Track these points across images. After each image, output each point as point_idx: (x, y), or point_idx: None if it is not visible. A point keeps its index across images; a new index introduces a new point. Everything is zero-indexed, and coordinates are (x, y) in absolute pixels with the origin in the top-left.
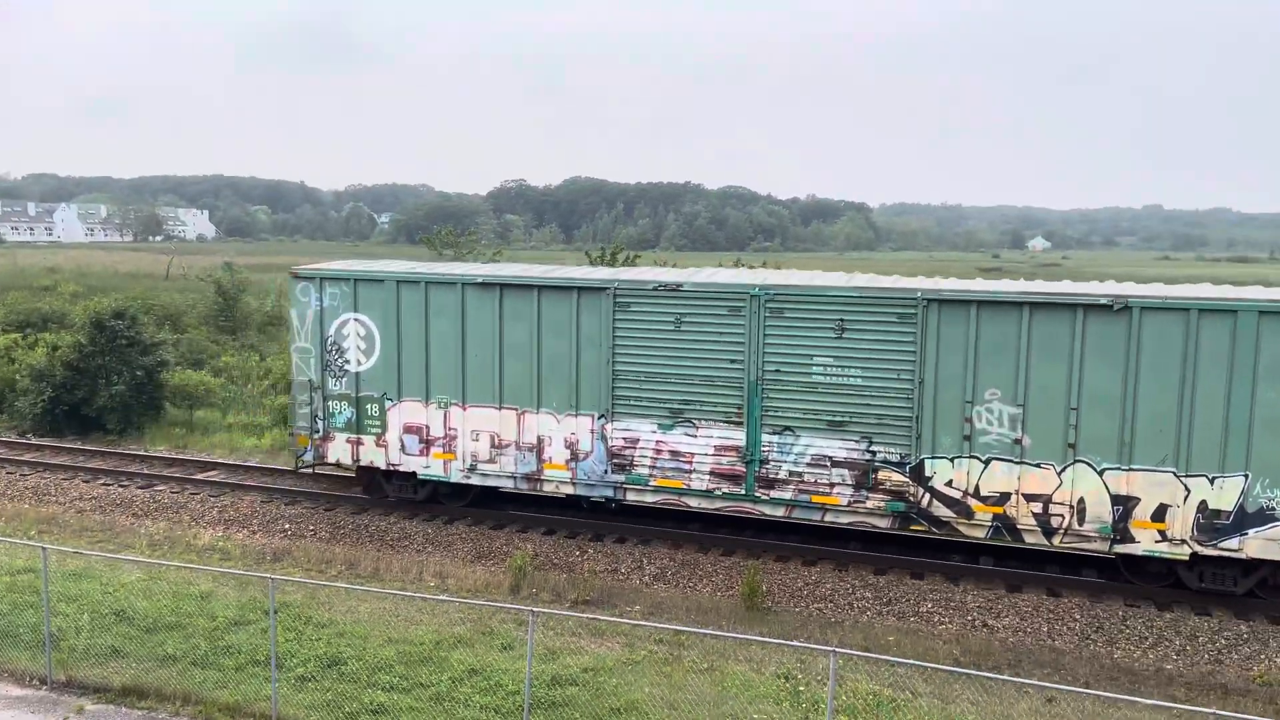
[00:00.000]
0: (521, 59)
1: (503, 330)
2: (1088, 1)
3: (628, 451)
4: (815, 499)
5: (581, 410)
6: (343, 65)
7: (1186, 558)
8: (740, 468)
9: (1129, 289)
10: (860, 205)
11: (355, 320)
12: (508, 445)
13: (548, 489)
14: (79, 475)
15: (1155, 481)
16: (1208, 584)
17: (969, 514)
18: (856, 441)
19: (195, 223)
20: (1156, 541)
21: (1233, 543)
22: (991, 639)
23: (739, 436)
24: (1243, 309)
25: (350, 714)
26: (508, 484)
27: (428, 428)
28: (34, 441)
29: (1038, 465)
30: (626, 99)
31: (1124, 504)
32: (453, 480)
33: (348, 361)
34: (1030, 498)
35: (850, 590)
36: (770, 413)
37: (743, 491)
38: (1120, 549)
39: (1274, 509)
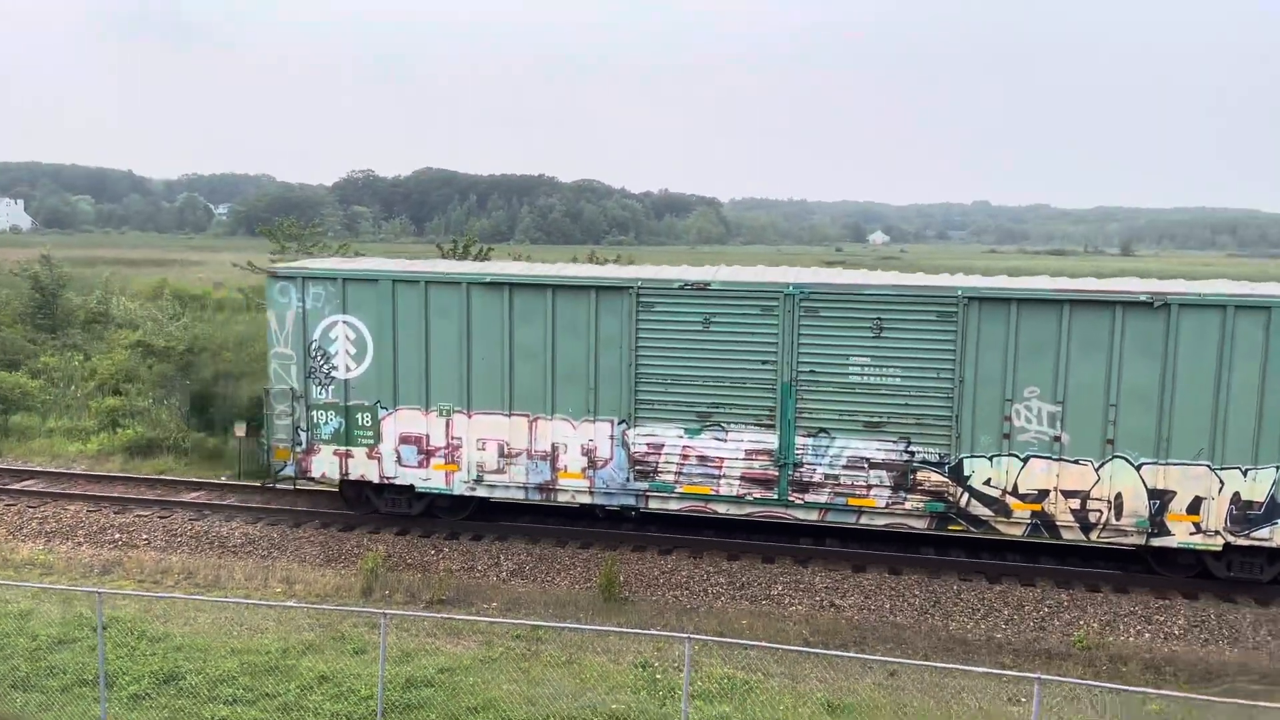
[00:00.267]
0: (368, 46)
1: (512, 332)
2: (934, 12)
3: (651, 458)
4: (852, 501)
5: (600, 415)
6: (177, 48)
7: (1220, 548)
8: (773, 472)
9: (1166, 286)
10: (711, 200)
11: (344, 323)
12: (518, 454)
13: (562, 499)
14: None
15: (1191, 475)
16: (1235, 573)
17: (1007, 512)
18: (894, 442)
19: (8, 213)
20: (1191, 534)
21: (1264, 532)
22: (838, 618)
23: (771, 440)
24: (1276, 305)
25: None
26: (518, 495)
27: (427, 437)
28: None
29: (1076, 462)
30: (478, 89)
31: (1160, 498)
32: (456, 493)
33: (335, 368)
34: (1069, 494)
35: (705, 577)
36: (805, 415)
37: (775, 496)
38: (1156, 542)
39: None
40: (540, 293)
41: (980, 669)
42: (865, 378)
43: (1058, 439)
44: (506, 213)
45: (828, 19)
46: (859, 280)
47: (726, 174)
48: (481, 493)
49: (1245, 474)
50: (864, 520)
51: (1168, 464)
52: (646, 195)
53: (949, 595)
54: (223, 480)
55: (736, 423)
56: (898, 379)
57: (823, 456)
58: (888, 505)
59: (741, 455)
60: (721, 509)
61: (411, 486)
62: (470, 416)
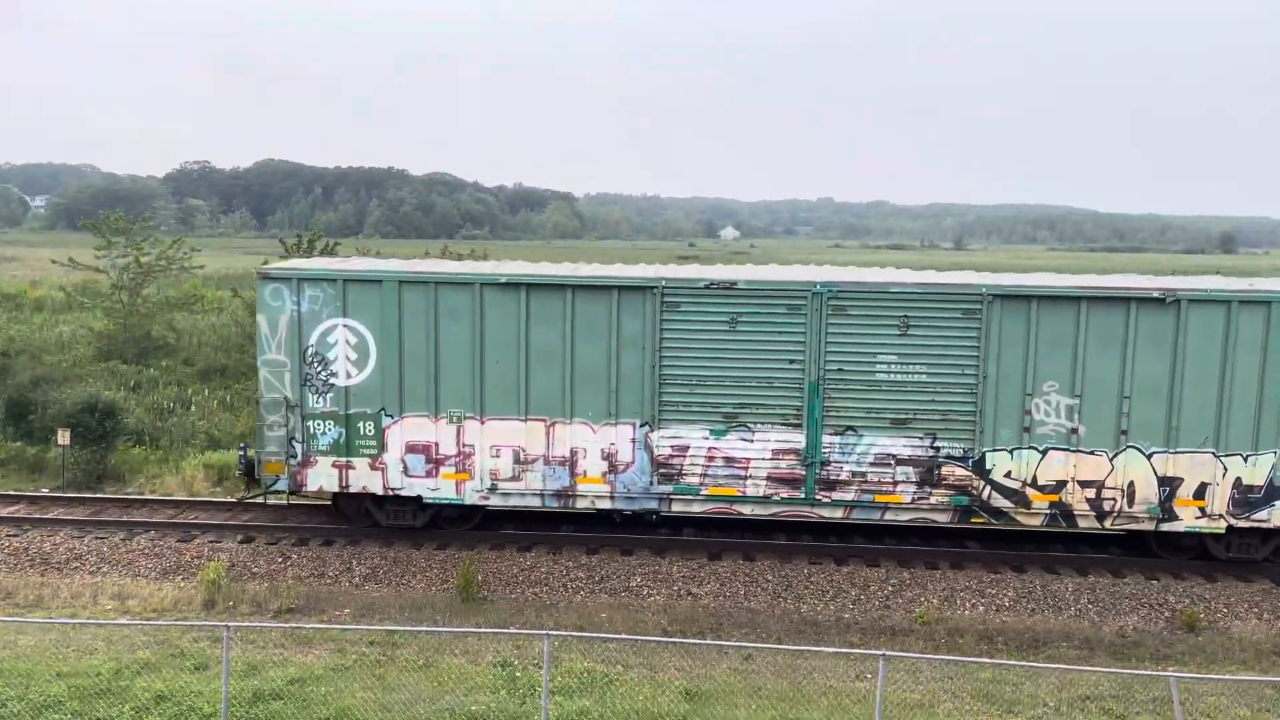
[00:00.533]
0: (204, 30)
1: (529, 334)
2: (777, 15)
3: (676, 460)
4: (879, 498)
5: (621, 418)
6: None
7: (1223, 530)
8: (800, 471)
9: (1177, 283)
10: (566, 195)
11: (344, 327)
12: (534, 460)
13: (581, 504)
14: None
15: (1197, 462)
16: (1233, 554)
17: (1027, 503)
18: (920, 438)
19: None
20: (1197, 518)
21: (1263, 514)
22: (696, 606)
23: (798, 439)
24: (1275, 300)
25: None
26: (535, 503)
27: (436, 445)
28: None
29: (1092, 453)
30: (324, 79)
31: (1170, 485)
32: (467, 502)
33: (334, 374)
34: (1085, 484)
35: (565, 572)
36: (832, 413)
37: (802, 495)
38: (1165, 527)
39: None
40: (559, 293)
41: (829, 649)
42: (892, 375)
43: (1075, 431)
44: (354, 206)
45: (690, 19)
46: (886, 279)
47: (581, 169)
48: (495, 502)
49: (1246, 460)
50: (888, 516)
51: (1177, 452)
52: (501, 190)
53: (800, 579)
54: (44, 492)
55: (763, 423)
56: (924, 376)
57: (850, 454)
58: (913, 500)
59: (768, 455)
60: (747, 510)
61: (418, 498)
62: (483, 423)
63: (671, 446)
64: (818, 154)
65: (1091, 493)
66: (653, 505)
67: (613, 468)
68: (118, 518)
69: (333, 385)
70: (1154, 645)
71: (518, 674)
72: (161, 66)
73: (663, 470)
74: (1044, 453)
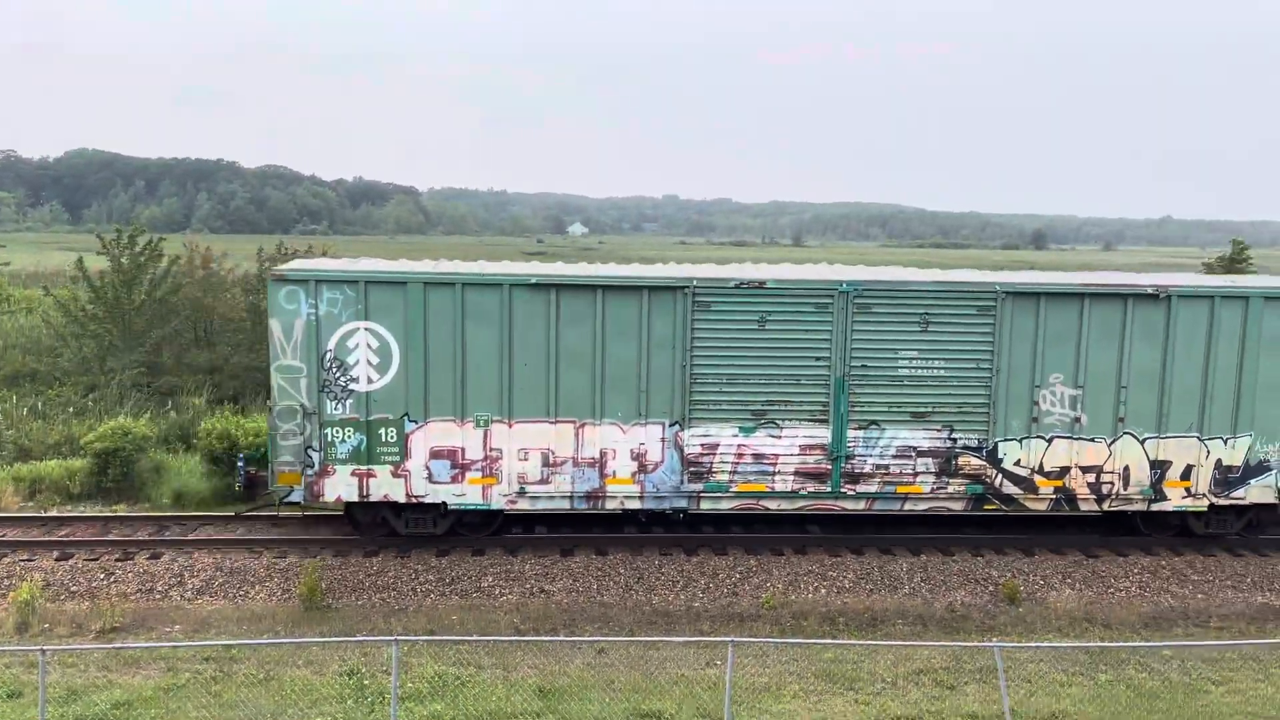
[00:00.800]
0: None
1: (558, 335)
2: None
3: (706, 459)
4: (900, 489)
5: (651, 418)
6: None
7: (1205, 509)
8: (826, 465)
9: (1167, 279)
10: (410, 189)
11: (366, 330)
12: (563, 462)
13: (610, 505)
14: None
15: (1184, 446)
16: (1211, 529)
17: (1034, 489)
18: (939, 430)
19: None
20: (1183, 497)
21: (1240, 492)
22: (548, 603)
23: (824, 434)
24: (1252, 295)
25: None
26: (563, 505)
27: (463, 450)
28: None
29: (1093, 440)
30: (145, 67)
31: (1160, 468)
32: (494, 507)
33: (354, 380)
34: (1086, 469)
35: (413, 576)
36: (857, 408)
37: (828, 489)
38: (1155, 507)
39: (1268, 461)
40: (589, 294)
41: (680, 639)
42: (913, 370)
43: (1078, 420)
44: (181, 200)
45: (530, 7)
46: (908, 277)
47: (425, 164)
48: (523, 505)
49: (1226, 442)
50: (907, 506)
51: (1166, 437)
52: (340, 183)
53: (651, 570)
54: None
55: (791, 419)
56: (942, 370)
57: (873, 448)
58: (933, 490)
59: (796, 451)
60: (774, 505)
61: (441, 505)
62: (511, 426)
63: (701, 445)
64: (663, 153)
65: (1092, 477)
66: (682, 504)
67: (642, 468)
68: None
69: (352, 391)
70: (979, 618)
71: (366, 682)
72: None
73: (693, 469)
74: (1050, 441)
